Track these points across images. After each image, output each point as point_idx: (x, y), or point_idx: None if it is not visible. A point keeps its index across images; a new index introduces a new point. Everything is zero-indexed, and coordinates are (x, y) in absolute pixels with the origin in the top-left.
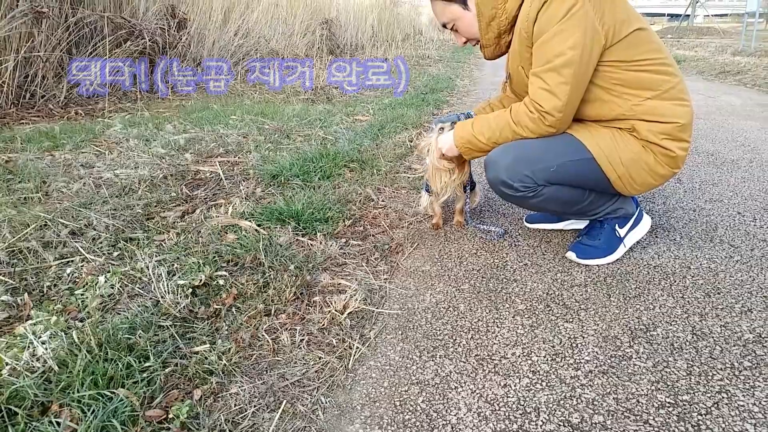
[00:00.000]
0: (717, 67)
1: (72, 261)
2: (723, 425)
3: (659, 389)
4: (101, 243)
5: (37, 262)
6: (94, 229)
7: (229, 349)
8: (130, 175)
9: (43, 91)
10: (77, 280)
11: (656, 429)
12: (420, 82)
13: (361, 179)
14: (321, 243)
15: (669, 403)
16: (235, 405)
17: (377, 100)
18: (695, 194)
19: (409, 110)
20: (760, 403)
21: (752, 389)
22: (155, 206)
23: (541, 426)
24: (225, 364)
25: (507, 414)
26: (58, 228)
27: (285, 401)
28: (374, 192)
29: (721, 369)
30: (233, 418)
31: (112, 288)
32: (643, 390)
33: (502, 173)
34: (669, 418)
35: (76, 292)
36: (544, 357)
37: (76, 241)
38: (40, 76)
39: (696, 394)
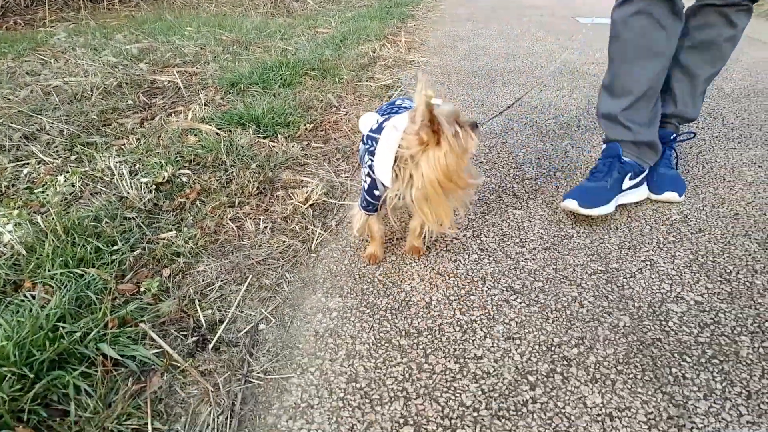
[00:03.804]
0: None
1: (28, 163)
2: (643, 284)
3: (593, 260)
4: (56, 147)
5: None
6: (48, 134)
7: (195, 235)
8: (80, 83)
9: None
10: (35, 180)
11: (587, 290)
12: None
13: (323, 87)
14: (282, 145)
15: (600, 270)
16: (203, 280)
17: (340, 13)
18: None
19: (372, 23)
20: (677, 268)
21: (673, 258)
22: (111, 113)
23: (486, 291)
24: (192, 248)
25: (456, 282)
26: (8, 132)
27: (251, 276)
28: (336, 99)
29: (647, 243)
30: (201, 290)
31: (73, 187)
32: (579, 261)
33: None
34: (599, 281)
35: (35, 191)
36: (492, 238)
37: (30, 145)
38: None
39: (624, 263)
